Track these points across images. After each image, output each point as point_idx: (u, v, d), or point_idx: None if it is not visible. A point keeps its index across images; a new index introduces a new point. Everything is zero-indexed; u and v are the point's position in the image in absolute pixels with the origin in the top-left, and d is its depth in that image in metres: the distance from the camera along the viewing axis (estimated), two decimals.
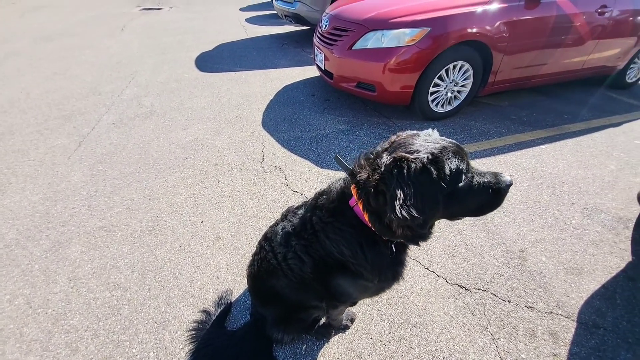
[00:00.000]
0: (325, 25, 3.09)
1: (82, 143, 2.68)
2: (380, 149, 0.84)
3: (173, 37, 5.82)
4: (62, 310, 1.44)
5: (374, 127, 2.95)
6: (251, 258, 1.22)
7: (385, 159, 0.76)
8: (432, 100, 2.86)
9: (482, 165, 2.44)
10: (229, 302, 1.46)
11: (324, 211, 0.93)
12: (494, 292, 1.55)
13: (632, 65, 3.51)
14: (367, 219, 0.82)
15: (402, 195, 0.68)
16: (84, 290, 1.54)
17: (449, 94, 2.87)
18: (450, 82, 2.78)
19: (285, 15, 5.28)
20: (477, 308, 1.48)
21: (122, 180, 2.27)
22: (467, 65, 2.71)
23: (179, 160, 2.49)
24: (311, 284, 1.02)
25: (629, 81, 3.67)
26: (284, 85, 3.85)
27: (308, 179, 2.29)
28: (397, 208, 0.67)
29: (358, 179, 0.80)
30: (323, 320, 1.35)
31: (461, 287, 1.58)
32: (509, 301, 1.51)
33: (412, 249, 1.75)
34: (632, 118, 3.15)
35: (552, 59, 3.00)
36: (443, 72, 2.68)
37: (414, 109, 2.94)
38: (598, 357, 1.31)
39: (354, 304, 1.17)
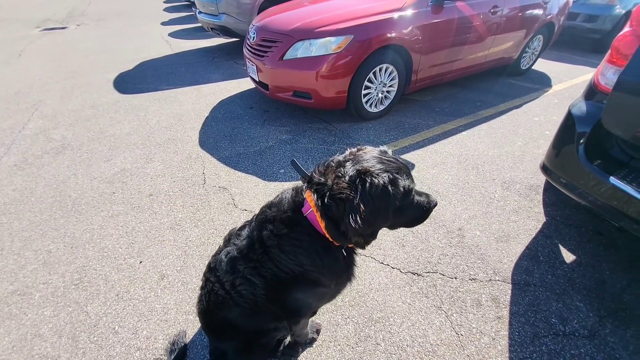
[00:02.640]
0: (253, 37, 3.06)
1: None
2: (341, 159, 0.86)
3: (84, 58, 5.20)
4: None
5: (316, 133, 3.01)
6: (199, 293, 1.13)
7: (350, 169, 0.80)
8: (366, 102, 3.03)
9: (417, 156, 2.65)
10: (183, 344, 1.33)
11: (275, 224, 0.90)
12: (442, 272, 1.68)
13: (524, 55, 4.15)
14: (323, 226, 0.83)
15: (363, 209, 0.74)
16: None
17: (380, 95, 3.07)
18: (379, 84, 2.98)
19: (212, 28, 5.10)
20: (430, 290, 1.59)
21: (34, 231, 1.94)
22: (391, 67, 2.93)
23: (105, 196, 2.21)
24: (266, 306, 0.98)
25: (523, 68, 4.35)
26: (219, 100, 3.70)
27: (256, 195, 2.23)
28: (358, 219, 0.74)
29: (318, 185, 0.82)
30: (288, 339, 1.31)
31: (414, 273, 1.68)
32: (455, 278, 1.66)
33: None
34: (529, 99, 3.73)
35: (460, 56, 3.40)
36: (371, 75, 2.85)
37: (351, 112, 3.07)
38: (534, 311, 1.50)
39: (313, 313, 1.16)
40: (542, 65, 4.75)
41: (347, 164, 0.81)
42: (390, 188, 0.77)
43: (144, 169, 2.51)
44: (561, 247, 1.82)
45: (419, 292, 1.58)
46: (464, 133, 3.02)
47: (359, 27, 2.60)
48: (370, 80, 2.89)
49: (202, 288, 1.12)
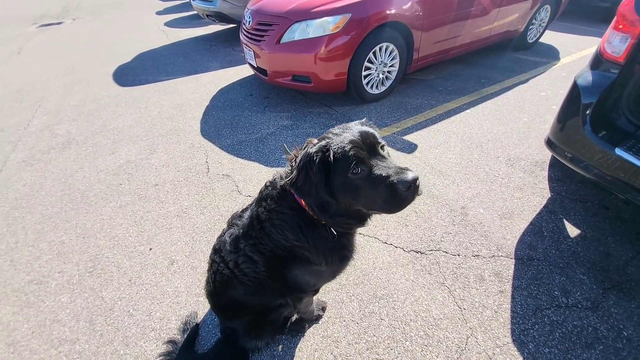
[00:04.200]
0: (249, 22, 3.00)
1: None
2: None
3: (82, 53, 5.18)
4: None
5: (316, 117, 2.98)
6: (206, 275, 1.18)
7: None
8: (367, 83, 2.97)
9: (420, 137, 2.62)
10: (194, 324, 1.39)
11: (269, 200, 0.95)
12: (445, 250, 1.70)
13: (530, 27, 3.99)
14: (303, 202, 0.87)
15: (295, 176, 0.81)
16: (26, 353, 1.35)
17: (381, 75, 3.00)
18: (380, 64, 2.91)
19: (207, 15, 5.00)
20: (433, 267, 1.61)
21: (46, 223, 2.00)
22: (391, 46, 2.85)
23: (112, 188, 2.26)
24: (269, 283, 1.02)
25: (530, 41, 4.18)
26: (219, 88, 3.68)
27: (259, 181, 2.24)
28: (290, 184, 0.82)
29: (291, 162, 0.87)
30: (295, 316, 1.36)
31: (417, 252, 1.70)
32: (458, 255, 1.67)
33: (368, 227, 1.83)
34: (536, 74, 3.62)
35: (463, 31, 3.29)
36: (371, 55, 2.78)
37: (352, 94, 3.02)
38: (536, 285, 1.52)
39: (316, 291, 1.19)
40: (550, 38, 4.56)
41: (314, 139, 0.86)
42: (316, 157, 0.77)
43: (148, 160, 2.54)
44: (566, 222, 1.81)
45: (422, 270, 1.61)
46: (468, 111, 2.96)
47: (356, 5, 2.52)
48: (370, 61, 2.83)
49: (208, 270, 1.16)
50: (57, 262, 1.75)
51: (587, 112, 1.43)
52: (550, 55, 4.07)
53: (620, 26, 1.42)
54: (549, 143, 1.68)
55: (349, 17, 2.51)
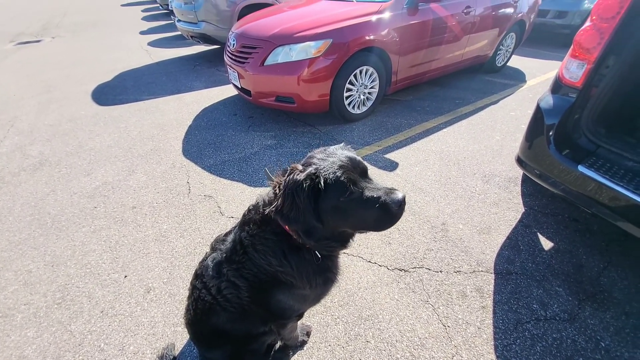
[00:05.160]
0: (233, 44, 3.07)
1: None
2: (299, 163, 0.89)
3: (60, 71, 5.08)
4: None
5: (300, 136, 3.03)
6: (186, 303, 1.13)
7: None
8: (349, 104, 3.07)
9: (401, 155, 2.70)
10: (172, 357, 1.31)
11: (251, 225, 0.94)
12: (428, 267, 1.72)
13: (498, 52, 4.31)
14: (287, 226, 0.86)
15: (281, 203, 0.78)
16: None
17: (362, 96, 3.12)
18: (361, 86, 3.03)
19: (192, 36, 5.07)
20: (417, 285, 1.63)
21: (13, 251, 1.88)
22: (371, 69, 2.99)
23: (86, 211, 2.16)
24: (252, 309, 0.99)
25: (499, 65, 4.50)
26: (202, 108, 3.68)
27: (243, 202, 2.22)
28: (275, 212, 0.81)
29: (275, 188, 0.86)
30: (279, 344, 1.32)
31: (401, 270, 1.71)
32: (441, 271, 1.70)
33: (352, 247, 1.84)
34: (505, 95, 3.87)
35: (438, 55, 3.50)
36: (352, 77, 2.90)
37: (335, 114, 3.11)
38: (516, 299, 1.56)
39: (300, 316, 1.17)
40: (517, 62, 4.93)
41: (299, 165, 0.84)
42: (305, 184, 0.76)
43: (126, 181, 2.47)
44: (540, 236, 1.89)
45: (406, 288, 1.61)
46: (444, 130, 3.10)
47: (337, 31, 2.65)
48: (351, 83, 2.94)
49: (189, 297, 1.12)
50: (23, 293, 1.63)
51: (551, 132, 1.54)
52: (518, 77, 4.38)
53: (577, 54, 1.57)
54: (519, 161, 1.78)
55: (330, 42, 2.62)
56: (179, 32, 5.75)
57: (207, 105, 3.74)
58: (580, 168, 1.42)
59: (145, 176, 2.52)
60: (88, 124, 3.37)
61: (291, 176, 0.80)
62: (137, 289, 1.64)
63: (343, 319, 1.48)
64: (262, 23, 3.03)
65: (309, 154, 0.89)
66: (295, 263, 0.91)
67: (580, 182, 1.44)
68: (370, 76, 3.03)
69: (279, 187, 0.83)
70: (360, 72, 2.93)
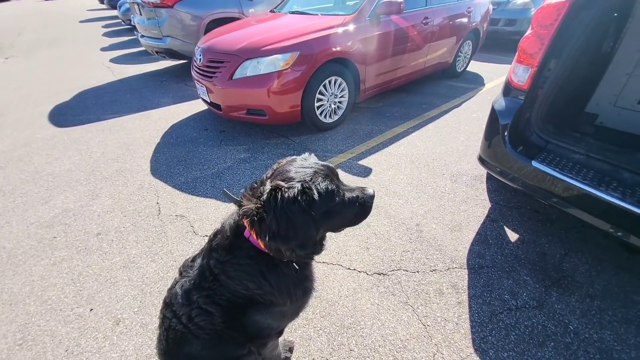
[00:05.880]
0: (200, 59, 3.04)
1: None
2: (265, 177, 0.87)
3: (14, 93, 4.74)
4: None
5: (274, 148, 3.02)
6: (158, 332, 1.07)
7: (267, 187, 0.79)
8: (320, 113, 3.12)
9: (374, 161, 2.77)
10: None
11: (219, 251, 0.90)
12: (405, 269, 1.76)
13: (458, 59, 4.60)
14: (262, 246, 0.83)
15: (275, 226, 0.74)
16: None
17: (333, 105, 3.18)
18: (331, 95, 3.09)
19: (157, 52, 4.95)
20: (396, 287, 1.65)
21: None
22: (339, 79, 3.07)
23: (44, 242, 2.00)
24: (227, 334, 0.95)
25: (459, 70, 4.80)
26: (171, 124, 3.57)
27: (217, 219, 2.16)
28: (269, 238, 0.75)
29: (244, 209, 0.81)
30: None
31: (379, 274, 1.73)
32: (417, 271, 1.74)
33: (332, 255, 1.84)
34: (467, 98, 4.11)
35: (402, 64, 3.67)
36: (322, 87, 2.96)
37: (307, 124, 3.14)
38: (489, 291, 1.62)
39: (280, 333, 1.14)
40: (475, 67, 5.28)
41: (267, 181, 0.82)
42: (301, 199, 0.75)
43: (89, 206, 2.32)
44: (506, 229, 2.01)
45: (386, 291, 1.63)
46: (413, 134, 3.22)
47: (304, 44, 2.71)
48: (321, 93, 2.99)
49: (160, 327, 1.05)
50: None
51: (505, 132, 1.66)
52: (477, 81, 4.68)
53: (522, 59, 1.72)
54: (481, 160, 1.89)
55: (298, 54, 2.67)
56: (143, 48, 5.60)
57: (175, 122, 3.63)
58: (534, 163, 1.54)
59: (110, 199, 2.39)
60: (45, 147, 3.15)
61: (280, 195, 0.75)
62: (104, 322, 1.53)
63: (325, 329, 1.46)
64: (228, 37, 3.03)
65: (277, 167, 0.88)
66: (275, 280, 0.89)
67: (535, 176, 1.55)
68: (339, 86, 3.11)
69: (257, 209, 0.77)
70: (329, 82, 3.00)
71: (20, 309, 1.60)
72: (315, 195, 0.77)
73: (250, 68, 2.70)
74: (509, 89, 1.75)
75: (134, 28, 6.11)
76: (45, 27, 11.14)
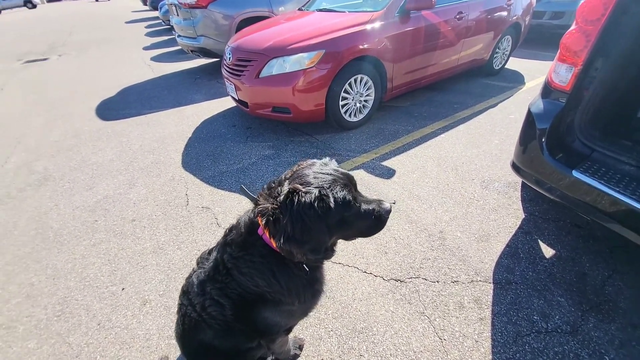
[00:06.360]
0: (229, 58, 3.13)
1: None
2: (283, 177, 0.88)
3: (66, 88, 5.23)
4: None
5: (298, 146, 3.04)
6: (177, 317, 1.13)
7: (285, 188, 0.80)
8: (345, 112, 3.08)
9: (398, 162, 2.69)
10: None
11: (233, 247, 0.93)
12: (424, 277, 1.69)
13: (495, 55, 4.30)
14: (275, 245, 0.84)
15: (290, 229, 0.75)
16: None
17: (358, 104, 3.13)
18: (356, 94, 3.04)
19: (192, 51, 5.19)
20: (413, 296, 1.60)
21: (17, 264, 1.91)
22: (366, 77, 3.00)
23: (87, 225, 2.20)
24: (237, 327, 0.98)
25: (496, 68, 4.48)
26: (202, 120, 3.74)
27: (239, 213, 2.19)
28: (284, 240, 0.76)
29: (260, 208, 0.82)
30: (270, 358, 1.30)
31: (397, 280, 1.68)
32: (437, 281, 1.67)
33: (348, 257, 1.82)
34: (504, 98, 3.84)
35: (433, 61, 3.51)
36: (347, 86, 2.92)
37: (331, 123, 3.12)
38: (516, 310, 1.51)
39: (289, 330, 1.15)
40: (515, 64, 4.91)
41: (285, 182, 0.83)
42: (317, 205, 0.76)
43: (126, 194, 2.51)
44: (540, 243, 1.85)
45: (402, 299, 1.58)
46: (442, 136, 3.08)
47: (329, 42, 2.68)
48: (346, 91, 2.96)
49: (177, 312, 1.12)
50: (25, 306, 1.65)
51: (543, 137, 1.52)
52: (516, 80, 4.35)
53: (565, 58, 1.56)
54: (514, 166, 1.75)
55: (323, 52, 2.65)
56: (180, 47, 5.89)
57: (206, 118, 3.80)
58: (575, 173, 1.39)
59: (145, 189, 2.56)
60: (91, 139, 3.44)
61: (297, 199, 0.76)
62: (133, 302, 1.65)
63: (337, 331, 1.46)
64: (256, 36, 3.09)
65: (296, 169, 0.89)
66: (285, 280, 0.91)
67: (575, 188, 1.41)
68: (365, 84, 3.05)
69: (273, 210, 0.79)
70: (355, 80, 2.95)
71: (61, 284, 1.78)
72: (332, 203, 0.77)
73: (277, 66, 2.73)
74: (548, 90, 1.60)
75: (172, 28, 6.45)
76: (95, 28, 12.14)
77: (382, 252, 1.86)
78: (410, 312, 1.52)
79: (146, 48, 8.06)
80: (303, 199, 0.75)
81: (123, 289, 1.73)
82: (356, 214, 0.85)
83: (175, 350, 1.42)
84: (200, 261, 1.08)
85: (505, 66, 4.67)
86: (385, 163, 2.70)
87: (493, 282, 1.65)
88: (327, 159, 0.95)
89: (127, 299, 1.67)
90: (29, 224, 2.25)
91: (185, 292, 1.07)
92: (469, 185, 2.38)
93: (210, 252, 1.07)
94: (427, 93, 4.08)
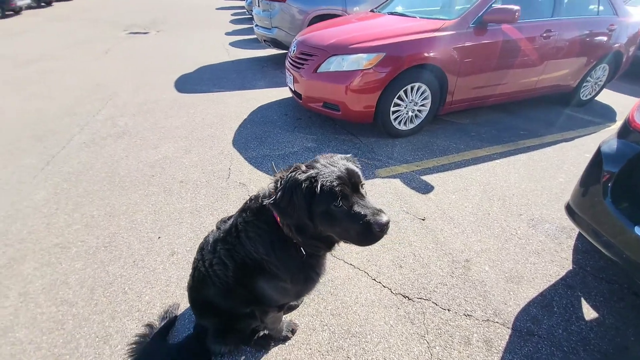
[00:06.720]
0: (294, 50, 3.28)
1: (50, 162, 2.72)
2: (304, 163, 0.95)
3: (156, 60, 6.01)
4: (10, 324, 1.45)
5: (340, 144, 3.08)
6: (191, 271, 1.27)
7: (294, 166, 0.91)
8: (395, 119, 3.02)
9: (439, 179, 2.55)
10: (174, 315, 1.48)
11: (248, 212, 1.03)
12: (435, 301, 1.60)
13: (584, 84, 3.76)
14: (278, 218, 0.94)
15: (280, 197, 0.85)
16: (32, 305, 1.54)
17: (410, 113, 3.04)
18: (410, 102, 2.95)
19: (265, 40, 5.54)
20: (417, 317, 1.53)
21: (85, 197, 2.31)
22: (424, 87, 2.89)
23: (145, 178, 2.54)
24: (236, 289, 1.07)
25: (584, 98, 3.92)
26: (259, 105, 3.99)
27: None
28: (272, 203, 0.87)
29: (275, 178, 0.94)
30: (263, 332, 1.38)
31: (404, 296, 1.63)
32: (448, 310, 1.57)
33: (361, 260, 1.82)
34: (584, 133, 3.36)
35: (506, 80, 3.22)
36: (402, 92, 2.85)
37: (379, 127, 3.09)
38: None
39: (281, 308, 1.20)
40: (608, 98, 4.24)
41: (302, 165, 0.90)
42: (304, 185, 0.82)
43: (181, 158, 2.82)
44: (583, 301, 1.61)
45: (405, 317, 1.53)
46: (497, 161, 2.83)
47: (392, 45, 2.64)
48: (400, 98, 2.89)
49: (192, 265, 1.26)
50: (82, 233, 1.99)
51: (610, 181, 1.31)
52: (606, 115, 3.76)
53: None
54: (569, 209, 1.55)
55: (383, 55, 2.63)
56: (255, 36, 6.34)
57: (263, 103, 4.04)
58: (638, 230, 1.18)
59: (197, 157, 2.85)
60: (165, 106, 3.93)
61: (293, 174, 0.86)
62: (164, 250, 1.87)
63: (331, 328, 1.47)
64: (322, 33, 3.18)
65: (316, 157, 0.95)
66: (280, 255, 0.97)
67: (636, 248, 1.20)
68: (421, 94, 2.94)
69: (280, 181, 0.90)
70: (412, 88, 2.87)
71: (114, 221, 2.09)
72: (318, 189, 0.82)
73: (335, 64, 2.79)
74: (627, 130, 1.37)
75: (252, 18, 6.96)
76: (190, 11, 13.60)
77: (397, 265, 1.80)
78: (411, 331, 1.46)
79: (227, 33, 8.82)
80: (298, 176, 0.84)
81: (159, 237, 1.97)
82: (342, 211, 0.84)
83: (185, 302, 1.57)
84: (219, 224, 1.19)
85: (596, 98, 4.06)
86: (424, 177, 2.59)
87: (512, 328, 1.49)
88: (350, 155, 0.98)
89: (160, 246, 1.91)
90: (102, 167, 2.68)
91: (200, 249, 1.20)
92: (513, 220, 2.16)
93: (229, 217, 1.18)
94: (492, 113, 3.77)
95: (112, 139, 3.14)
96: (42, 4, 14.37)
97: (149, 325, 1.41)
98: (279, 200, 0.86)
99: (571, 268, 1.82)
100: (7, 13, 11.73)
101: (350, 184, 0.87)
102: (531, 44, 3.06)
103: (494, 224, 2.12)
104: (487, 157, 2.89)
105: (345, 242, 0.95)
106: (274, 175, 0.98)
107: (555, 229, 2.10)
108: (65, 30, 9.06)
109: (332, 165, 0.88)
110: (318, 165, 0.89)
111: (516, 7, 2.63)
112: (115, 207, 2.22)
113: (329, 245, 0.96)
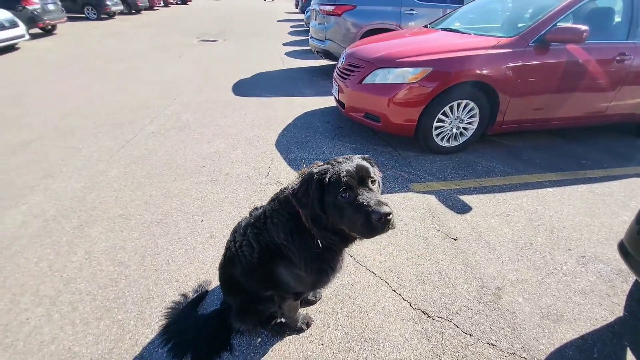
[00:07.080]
0: (342, 61, 3.42)
1: (124, 146, 3.19)
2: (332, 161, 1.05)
3: (219, 65, 6.66)
4: (74, 276, 1.74)
5: (378, 155, 3.10)
6: (223, 251, 1.42)
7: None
8: (437, 135, 2.96)
9: (478, 201, 2.44)
10: (205, 290, 1.65)
11: (276, 202, 1.15)
12: (456, 324, 1.54)
13: None
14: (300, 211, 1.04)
15: (298, 188, 0.99)
16: (94, 262, 1.83)
17: (455, 130, 2.95)
18: (455, 119, 2.88)
19: (317, 51, 5.82)
20: (435, 336, 1.49)
21: (147, 179, 2.66)
22: (472, 104, 2.80)
23: (197, 168, 2.84)
24: (258, 271, 1.18)
25: None
26: (305, 111, 4.20)
27: None
28: (292, 194, 1.00)
29: (299, 173, 1.06)
30: (280, 319, 1.46)
31: (424, 313, 1.59)
32: (470, 335, 1.50)
33: (382, 269, 1.82)
34: None
35: (569, 103, 2.97)
36: (447, 108, 2.80)
37: (419, 142, 3.05)
38: None
39: (297, 296, 1.27)
40: None
41: (319, 162, 1.02)
42: (316, 177, 0.93)
43: (229, 154, 3.10)
44: (629, 353, 1.42)
45: (422, 333, 1.50)
46: (549, 189, 2.60)
47: (440, 61, 2.63)
48: (445, 114, 2.84)
49: (224, 247, 1.40)
50: (142, 208, 2.30)
51: None
52: None
53: None
54: (622, 248, 1.40)
55: (430, 70, 2.62)
56: (309, 47, 6.69)
57: (308, 110, 4.24)
58: None
59: (242, 154, 3.10)
60: (222, 107, 4.34)
61: (310, 169, 0.98)
62: (205, 232, 2.08)
63: (345, 329, 1.50)
64: (372, 46, 3.27)
65: (334, 157, 1.05)
66: (298, 243, 1.06)
67: None
68: (469, 111, 2.85)
69: (302, 175, 1.01)
70: (459, 105, 2.80)
71: (168, 202, 2.38)
72: (326, 180, 0.92)
73: (380, 76, 2.85)
74: None
75: (309, 30, 7.36)
76: (253, 22, 14.78)
77: (420, 280, 1.77)
78: (426, 349, 1.43)
79: (285, 44, 9.41)
80: (312, 170, 0.97)
81: (202, 220, 2.19)
82: (348, 202, 0.90)
83: (216, 281, 1.74)
84: (252, 211, 1.32)
85: None
86: (462, 197, 2.49)
87: None
88: (367, 155, 1.08)
89: (202, 228, 2.12)
90: (164, 154, 3.06)
91: (233, 232, 1.33)
92: (560, 254, 1.98)
93: (262, 206, 1.30)
94: (549, 137, 3.48)
95: (175, 131, 3.57)
96: (133, 11, 16.75)
97: (184, 295, 1.59)
98: (296, 191, 0.98)
99: (622, 315, 1.61)
100: (102, 16, 13.89)
101: (358, 177, 0.93)
102: (602, 67, 2.79)
103: (535, 255, 1.96)
104: (537, 183, 2.68)
105: (355, 236, 1.01)
106: (300, 171, 1.08)
107: (610, 270, 1.87)
108: (149, 35, 10.48)
109: (345, 161, 0.98)
110: (333, 162, 0.99)
111: (584, 27, 2.44)
112: (170, 190, 2.52)
113: (344, 240, 1.03)
